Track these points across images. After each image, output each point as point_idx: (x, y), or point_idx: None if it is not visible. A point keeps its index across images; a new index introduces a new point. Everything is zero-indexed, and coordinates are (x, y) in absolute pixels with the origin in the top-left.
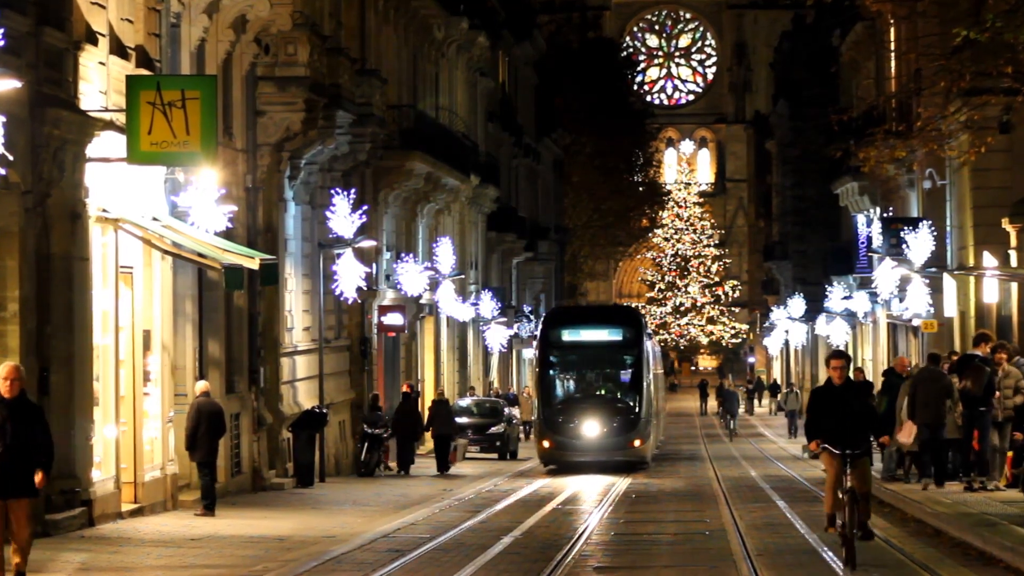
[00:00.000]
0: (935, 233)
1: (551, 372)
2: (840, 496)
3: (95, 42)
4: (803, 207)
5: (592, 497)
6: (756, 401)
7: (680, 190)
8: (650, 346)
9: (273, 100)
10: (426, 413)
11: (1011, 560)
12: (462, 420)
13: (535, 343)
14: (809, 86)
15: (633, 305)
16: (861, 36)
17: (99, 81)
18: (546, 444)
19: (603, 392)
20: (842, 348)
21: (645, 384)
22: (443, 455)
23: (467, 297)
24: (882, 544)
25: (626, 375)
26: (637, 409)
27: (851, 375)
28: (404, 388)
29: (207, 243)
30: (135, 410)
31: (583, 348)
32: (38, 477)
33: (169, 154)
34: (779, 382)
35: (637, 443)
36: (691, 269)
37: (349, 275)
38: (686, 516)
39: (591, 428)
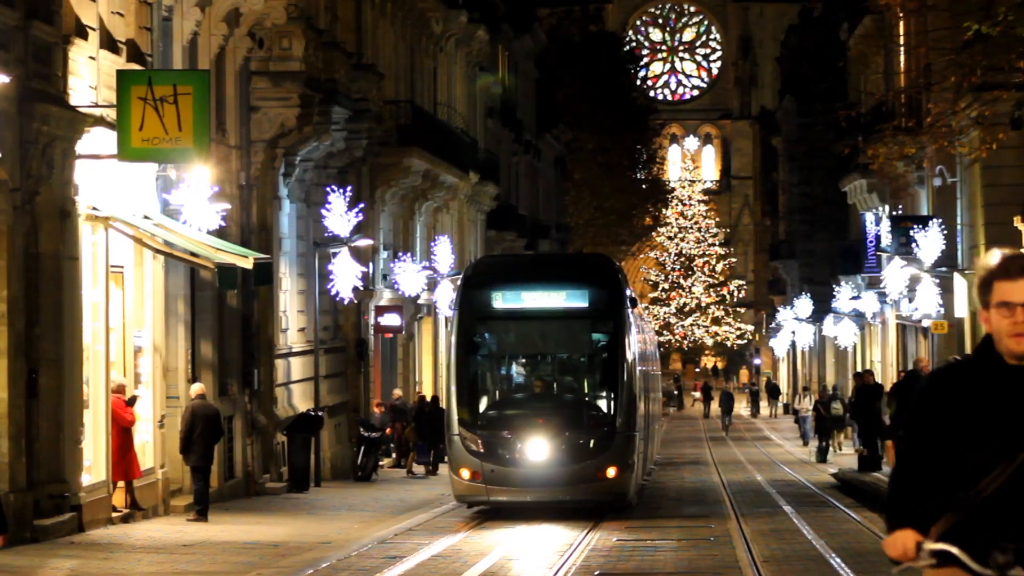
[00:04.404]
0: (945, 232)
1: (476, 359)
2: None
3: (85, 36)
4: (810, 205)
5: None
6: (765, 402)
7: (684, 188)
8: (634, 319)
9: (267, 95)
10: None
11: None
12: None
13: (452, 313)
14: (816, 81)
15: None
16: (870, 30)
17: (89, 76)
18: (466, 474)
19: (558, 392)
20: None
21: (625, 377)
22: None
23: None
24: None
25: (596, 364)
26: (612, 419)
27: (865, 376)
28: (396, 392)
29: (200, 242)
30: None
31: (527, 320)
32: None
33: (161, 151)
34: (781, 384)
35: (611, 472)
36: (695, 268)
37: (345, 275)
38: (690, 522)
39: (538, 449)
